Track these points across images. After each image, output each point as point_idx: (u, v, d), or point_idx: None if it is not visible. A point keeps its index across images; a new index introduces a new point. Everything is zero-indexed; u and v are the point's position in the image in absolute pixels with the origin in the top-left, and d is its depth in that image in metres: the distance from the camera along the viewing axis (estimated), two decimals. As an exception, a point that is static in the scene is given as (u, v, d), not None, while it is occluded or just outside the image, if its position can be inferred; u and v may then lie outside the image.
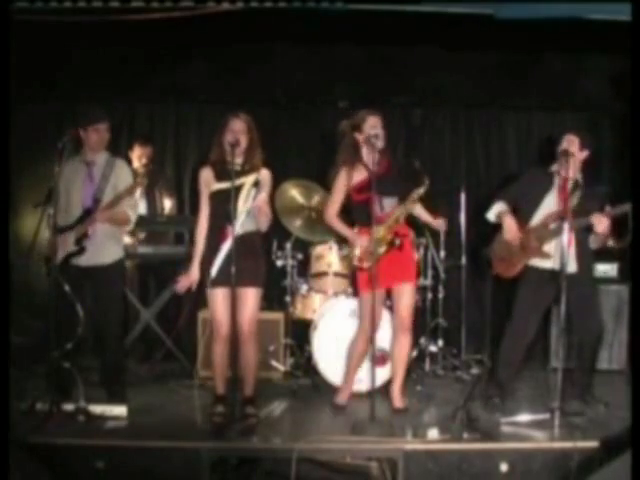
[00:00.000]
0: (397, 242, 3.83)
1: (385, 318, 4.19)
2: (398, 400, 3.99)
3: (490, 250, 4.15)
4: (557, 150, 3.97)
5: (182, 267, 5.07)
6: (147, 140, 5.51)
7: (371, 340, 3.74)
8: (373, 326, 3.78)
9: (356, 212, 3.97)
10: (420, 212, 4.12)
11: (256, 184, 3.69)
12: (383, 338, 4.18)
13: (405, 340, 3.97)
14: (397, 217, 3.87)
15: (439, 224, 4.12)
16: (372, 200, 3.71)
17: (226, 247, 3.62)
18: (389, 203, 3.89)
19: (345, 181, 3.92)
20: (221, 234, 3.68)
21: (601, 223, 3.73)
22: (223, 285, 3.66)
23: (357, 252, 3.87)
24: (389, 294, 4.06)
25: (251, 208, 3.66)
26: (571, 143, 3.92)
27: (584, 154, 3.95)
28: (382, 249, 3.82)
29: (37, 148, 5.46)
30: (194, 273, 3.77)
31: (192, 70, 5.79)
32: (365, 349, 4.00)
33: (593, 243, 3.94)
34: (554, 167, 4.03)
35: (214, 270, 3.66)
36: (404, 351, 3.99)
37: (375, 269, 3.71)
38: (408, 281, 3.95)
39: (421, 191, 3.87)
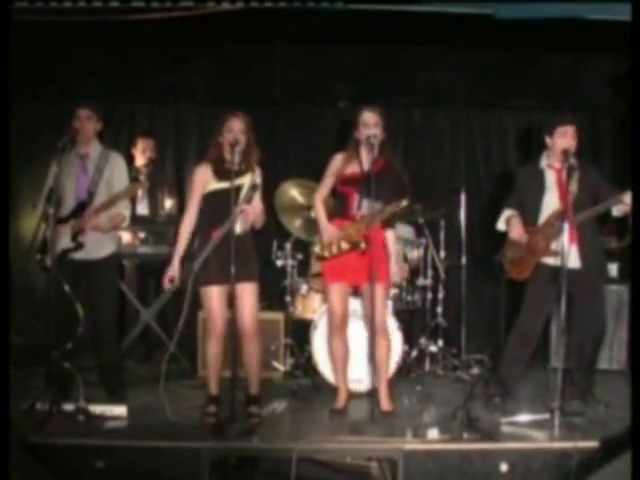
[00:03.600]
0: (362, 245, 3.77)
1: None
2: (386, 403, 3.89)
3: (501, 255, 4.13)
4: (547, 142, 3.94)
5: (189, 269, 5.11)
6: (149, 134, 5.52)
7: (372, 337, 3.74)
8: (342, 320, 3.89)
9: (337, 203, 3.99)
10: (389, 241, 4.00)
11: (254, 186, 3.68)
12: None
13: (383, 341, 3.90)
14: (369, 222, 3.80)
15: (394, 275, 3.99)
16: (351, 197, 3.81)
17: (212, 244, 3.64)
18: (368, 205, 3.81)
19: (336, 168, 3.92)
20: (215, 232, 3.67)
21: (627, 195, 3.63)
22: (217, 283, 3.69)
23: (321, 240, 3.91)
24: (357, 294, 4.06)
25: (244, 209, 3.66)
26: (570, 137, 3.87)
27: (577, 142, 3.89)
28: (344, 246, 3.83)
29: (36, 148, 5.46)
30: (174, 270, 3.76)
31: (192, 70, 5.79)
32: (344, 347, 3.98)
33: (617, 212, 3.84)
34: (543, 162, 4.00)
35: (196, 265, 3.67)
36: (383, 353, 3.90)
37: (333, 263, 3.82)
38: (378, 282, 3.81)
39: (401, 205, 3.77)
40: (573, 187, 3.80)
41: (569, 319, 3.68)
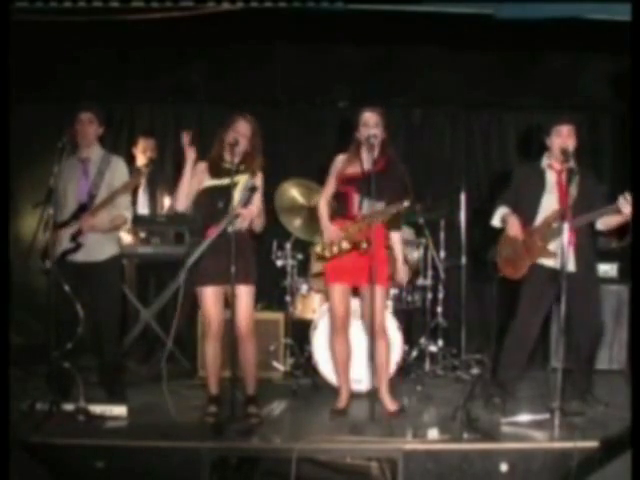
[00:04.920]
0: (363, 246, 3.76)
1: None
2: (390, 403, 3.90)
3: (495, 253, 4.12)
4: (547, 142, 3.95)
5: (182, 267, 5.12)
6: (150, 134, 5.52)
7: (371, 339, 3.74)
8: (344, 320, 3.88)
9: (337, 203, 3.97)
10: (396, 243, 4.03)
11: (252, 188, 3.69)
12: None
13: (382, 343, 3.88)
14: (370, 221, 3.78)
15: (400, 278, 4.10)
16: (351, 196, 3.80)
17: (206, 243, 3.66)
18: (368, 205, 3.80)
19: (337, 169, 3.93)
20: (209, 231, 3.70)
21: (627, 204, 3.58)
22: (212, 283, 3.70)
23: (322, 240, 3.93)
24: (356, 294, 4.04)
25: (239, 213, 3.67)
26: (566, 135, 3.88)
27: (576, 142, 3.91)
28: (345, 246, 3.83)
29: (37, 148, 5.46)
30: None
31: (192, 70, 5.79)
32: (346, 347, 3.97)
33: (601, 225, 3.89)
34: (544, 162, 4.01)
35: (190, 261, 3.67)
36: (382, 355, 3.89)
37: (334, 263, 3.82)
38: (377, 284, 3.78)
39: (402, 206, 3.74)
40: (573, 190, 3.80)
41: (567, 321, 3.67)
